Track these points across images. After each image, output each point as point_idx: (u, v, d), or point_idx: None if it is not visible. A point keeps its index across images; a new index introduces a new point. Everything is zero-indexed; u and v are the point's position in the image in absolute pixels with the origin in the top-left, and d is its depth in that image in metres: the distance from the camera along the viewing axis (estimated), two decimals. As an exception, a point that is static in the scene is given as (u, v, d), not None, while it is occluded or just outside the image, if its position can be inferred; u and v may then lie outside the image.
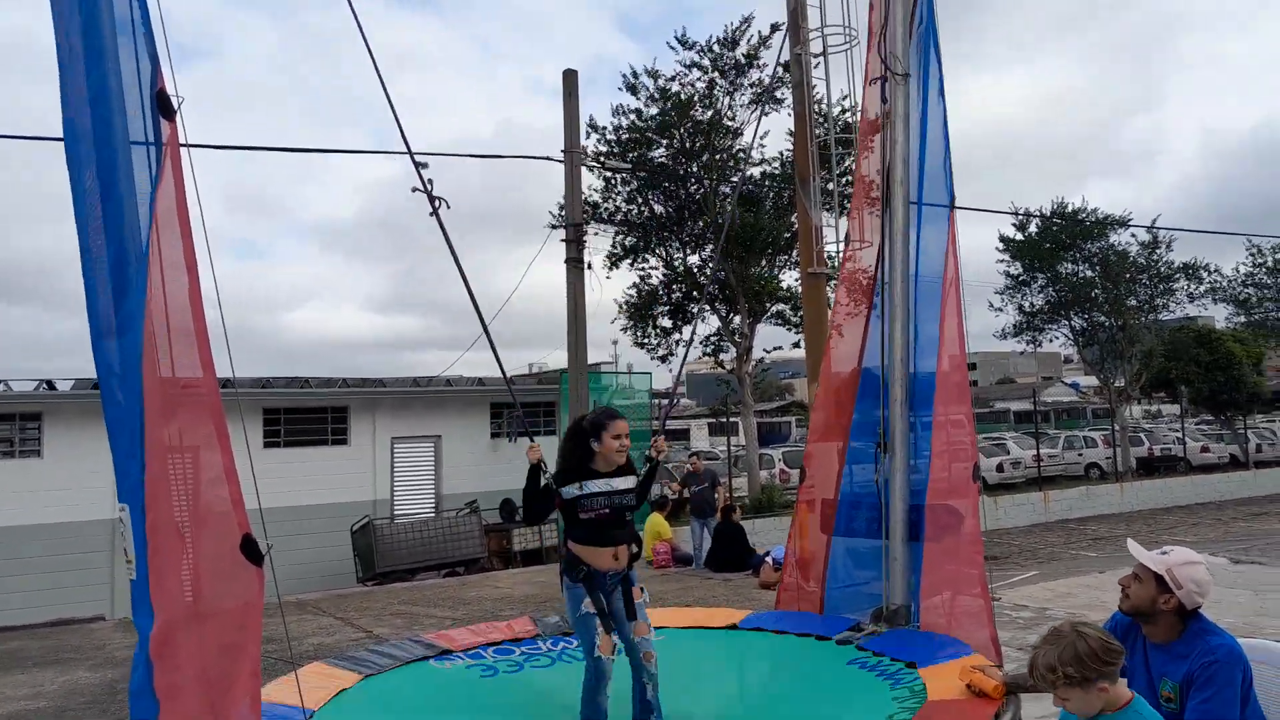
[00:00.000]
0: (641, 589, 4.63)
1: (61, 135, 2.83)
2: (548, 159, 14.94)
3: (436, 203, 4.68)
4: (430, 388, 18.18)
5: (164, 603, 2.62)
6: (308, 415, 16.99)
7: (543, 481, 4.47)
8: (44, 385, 14.85)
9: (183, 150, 2.89)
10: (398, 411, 17.79)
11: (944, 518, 5.30)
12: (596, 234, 19.36)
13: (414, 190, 4.64)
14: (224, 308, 3.05)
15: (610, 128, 19.54)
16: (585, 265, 14.90)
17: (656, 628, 4.77)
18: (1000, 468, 25.45)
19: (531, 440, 4.54)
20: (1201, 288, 26.83)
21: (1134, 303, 26.27)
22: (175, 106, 2.84)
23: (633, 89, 19.36)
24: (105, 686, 7.59)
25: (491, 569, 15.09)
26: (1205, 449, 28.97)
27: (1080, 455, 28.09)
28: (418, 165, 4.80)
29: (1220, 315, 32.66)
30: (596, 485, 4.47)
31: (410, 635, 6.68)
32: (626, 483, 4.56)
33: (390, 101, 4.40)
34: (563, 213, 16.35)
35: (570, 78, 14.99)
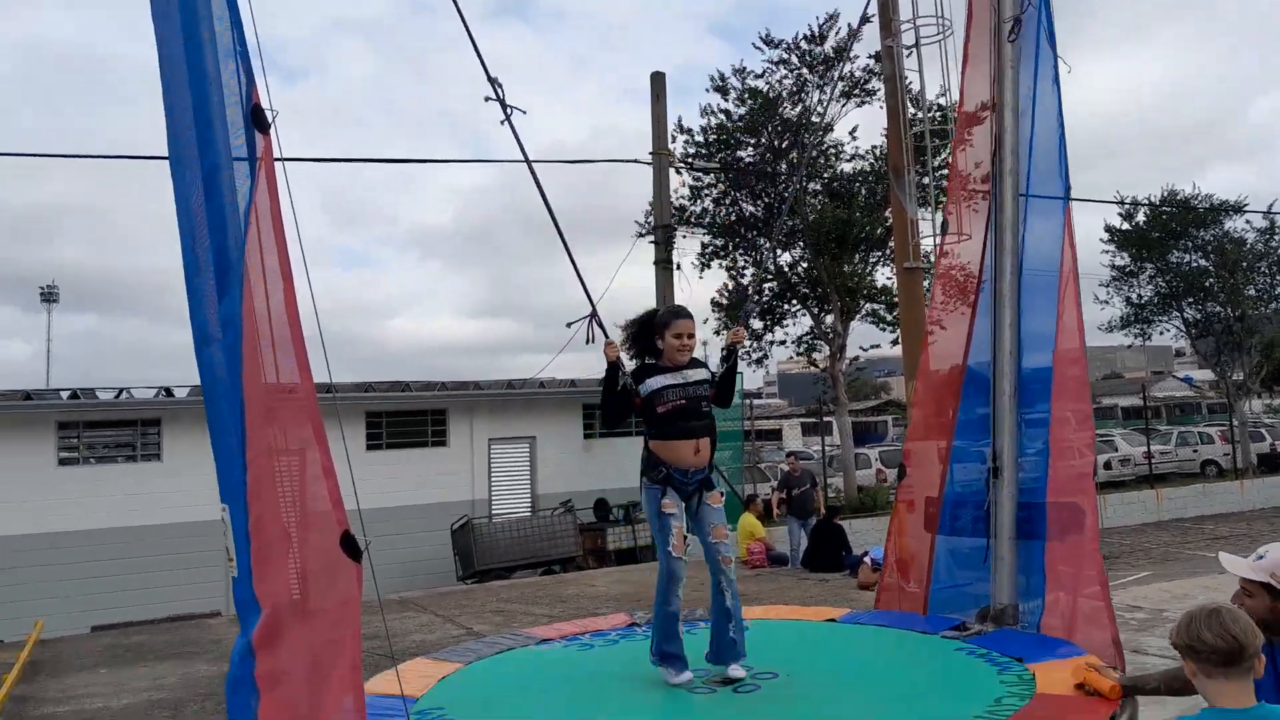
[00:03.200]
0: (721, 493, 4.62)
1: (166, 154, 2.97)
2: (636, 161, 15.01)
3: (509, 110, 4.60)
4: (524, 390, 18.45)
5: (269, 598, 2.71)
6: (408, 418, 17.43)
7: (620, 383, 4.41)
8: (163, 392, 15.59)
9: (280, 163, 2.98)
10: (494, 413, 18.11)
11: (1067, 516, 5.13)
12: (685, 236, 19.35)
13: (486, 100, 4.57)
14: (329, 315, 3.14)
15: (698, 129, 19.52)
16: (674, 266, 14.91)
17: (751, 620, 4.77)
18: (1108, 465, 24.49)
19: (608, 338, 4.53)
20: (1327, 274, 25.29)
21: (1252, 291, 24.95)
22: (270, 120, 2.94)
23: (722, 90, 19.30)
24: (223, 679, 7.91)
25: (587, 567, 15.22)
26: (1335, 444, 27.29)
27: (1195, 452, 26.80)
28: (491, 77, 4.60)
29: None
30: (668, 379, 4.42)
31: (510, 630, 6.80)
32: (700, 374, 4.51)
33: (462, 16, 4.35)
34: (651, 215, 16.41)
35: (658, 80, 15.02)
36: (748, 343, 20.85)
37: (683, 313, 4.55)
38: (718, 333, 21.25)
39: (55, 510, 14.32)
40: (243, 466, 2.76)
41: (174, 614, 12.82)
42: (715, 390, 4.57)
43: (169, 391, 15.60)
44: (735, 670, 4.41)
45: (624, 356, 4.51)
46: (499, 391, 18.31)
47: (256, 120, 2.88)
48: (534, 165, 4.90)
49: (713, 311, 21.05)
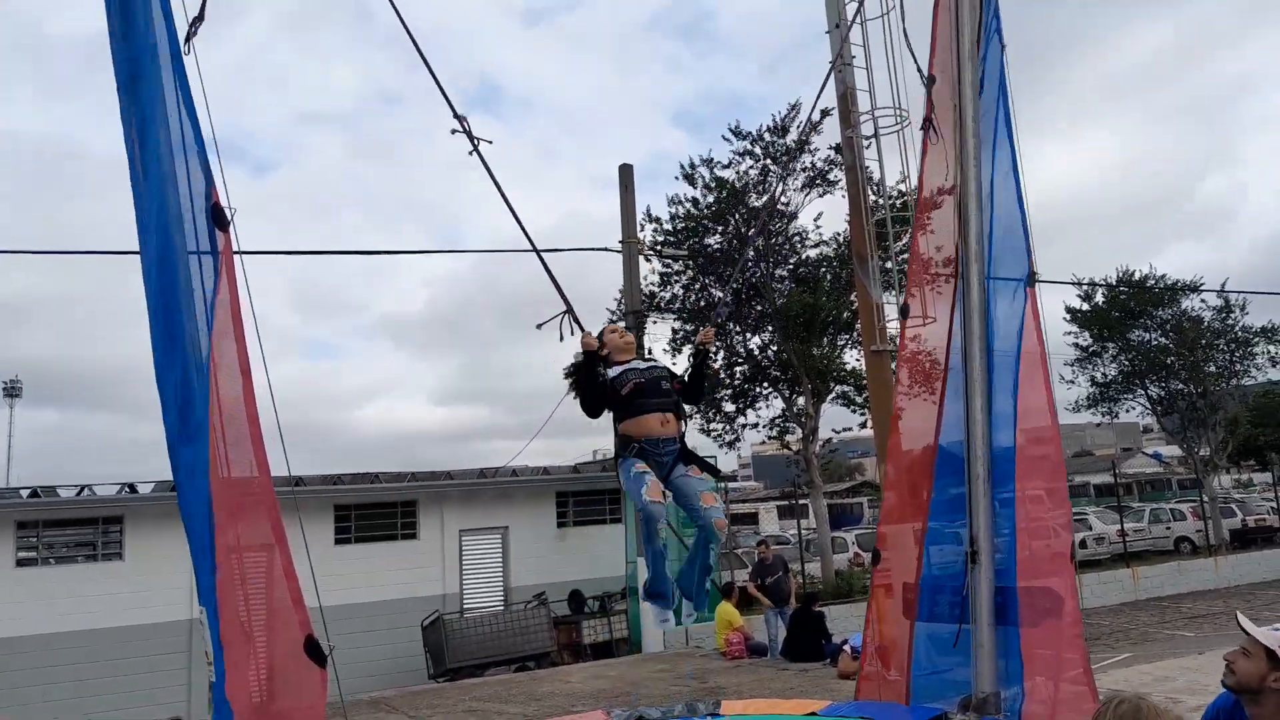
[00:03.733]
0: (701, 471, 4.79)
1: (136, 248, 2.97)
2: (605, 249, 15.21)
3: (476, 141, 4.74)
4: (497, 479, 18.26)
5: (236, 703, 2.63)
6: (378, 510, 17.14)
7: (599, 372, 4.68)
8: (126, 488, 15.26)
9: (240, 257, 2.99)
10: (465, 503, 17.86)
11: (1042, 600, 5.10)
12: (655, 322, 19.52)
13: (454, 132, 4.69)
14: (295, 407, 3.12)
15: (667, 217, 19.89)
16: (647, 352, 15.00)
17: (731, 717, 4.78)
18: (1084, 544, 24.48)
19: (585, 331, 4.78)
20: (1284, 350, 25.87)
21: (1213, 369, 25.42)
22: (229, 218, 2.96)
23: (690, 179, 19.75)
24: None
25: (561, 663, 14.87)
26: (1304, 518, 27.53)
27: (1168, 529, 26.90)
28: (457, 115, 4.73)
29: (1307, 378, 31.40)
30: (626, 367, 4.74)
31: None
32: (658, 366, 4.85)
33: (419, 49, 4.50)
34: (622, 301, 16.57)
35: (626, 171, 15.35)
36: (718, 427, 20.88)
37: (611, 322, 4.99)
38: (690, 418, 21.30)
39: (11, 614, 13.84)
40: (212, 568, 2.71)
41: (132, 721, 12.33)
42: (683, 385, 4.90)
43: (132, 488, 15.28)
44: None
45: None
46: (470, 481, 18.10)
47: (216, 218, 2.90)
48: (510, 204, 4.97)
49: (684, 397, 21.10)
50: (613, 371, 4.75)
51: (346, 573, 15.33)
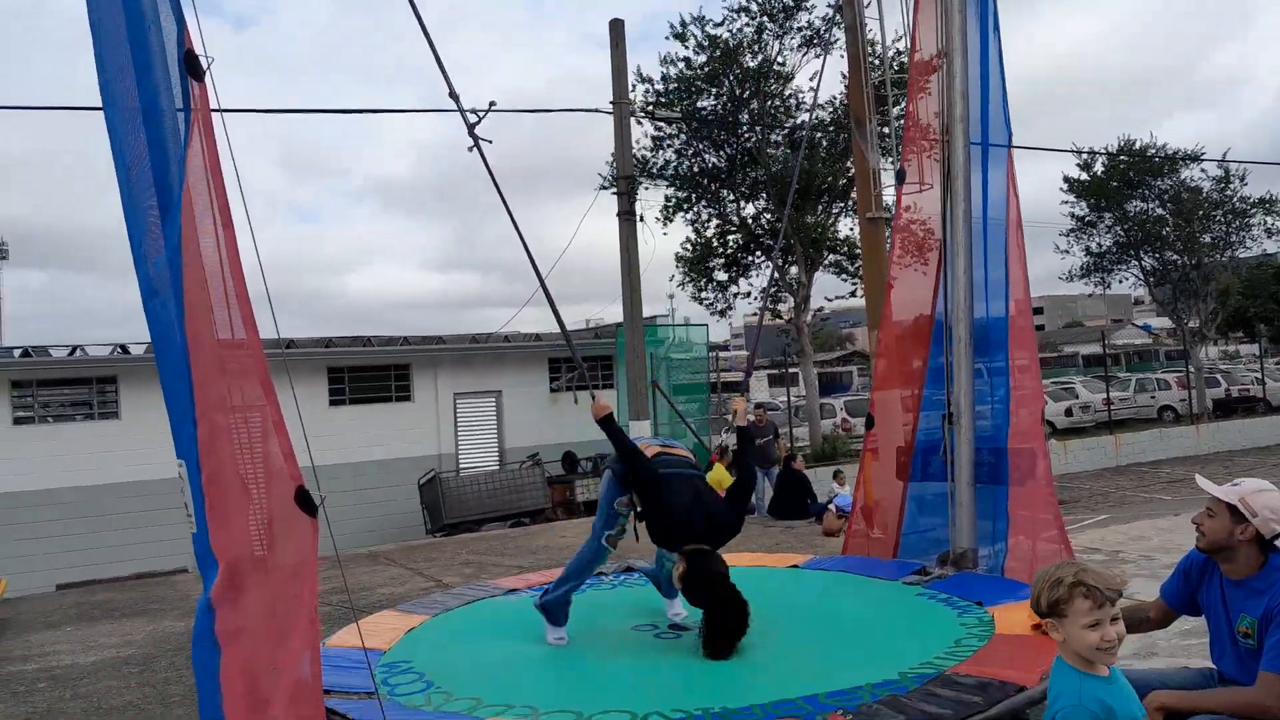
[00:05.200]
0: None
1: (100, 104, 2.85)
2: (596, 110, 14.81)
3: (475, 138, 4.62)
4: (489, 344, 18.36)
5: (225, 553, 2.69)
6: (372, 373, 17.30)
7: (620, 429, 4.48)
8: (118, 349, 15.32)
9: (232, 115, 2.88)
10: (459, 368, 18.02)
11: (1026, 461, 5.23)
12: (648, 188, 19.20)
13: (457, 108, 4.56)
14: (284, 270, 3.05)
15: (659, 78, 19.28)
16: (638, 219, 14.82)
17: None
18: (1069, 412, 24.95)
19: (593, 396, 4.53)
20: (1280, 222, 25.77)
21: (1208, 240, 25.32)
22: (205, 67, 2.82)
23: (681, 37, 19.04)
24: (190, 634, 7.89)
25: (556, 519, 15.31)
26: (1286, 388, 27.99)
27: (1153, 398, 27.38)
28: (459, 101, 4.61)
29: (1302, 250, 31.34)
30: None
31: (479, 582, 6.82)
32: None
33: (427, 35, 4.31)
34: (613, 167, 16.25)
35: (616, 27, 14.78)
36: (710, 295, 20.82)
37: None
38: (682, 286, 21.26)
39: (12, 470, 14.11)
40: (193, 421, 2.72)
41: (139, 572, 12.73)
42: (729, 492, 4.61)
43: (124, 349, 15.34)
44: (676, 608, 4.70)
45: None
46: (463, 346, 18.21)
47: (190, 67, 2.77)
48: (494, 184, 4.81)
49: (676, 265, 21.02)
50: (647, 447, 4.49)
51: (341, 433, 15.59)
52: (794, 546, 10.04)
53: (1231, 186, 24.77)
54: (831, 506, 11.37)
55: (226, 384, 2.78)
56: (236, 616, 2.67)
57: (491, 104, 4.81)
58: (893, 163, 13.13)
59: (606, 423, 4.41)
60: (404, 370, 17.62)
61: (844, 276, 20.67)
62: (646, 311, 15.89)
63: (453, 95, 4.50)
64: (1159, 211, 25.16)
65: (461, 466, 17.06)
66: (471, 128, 4.57)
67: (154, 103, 2.70)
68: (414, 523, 15.80)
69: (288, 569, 2.91)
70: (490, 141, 4.60)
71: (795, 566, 6.06)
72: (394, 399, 17.48)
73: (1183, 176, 24.78)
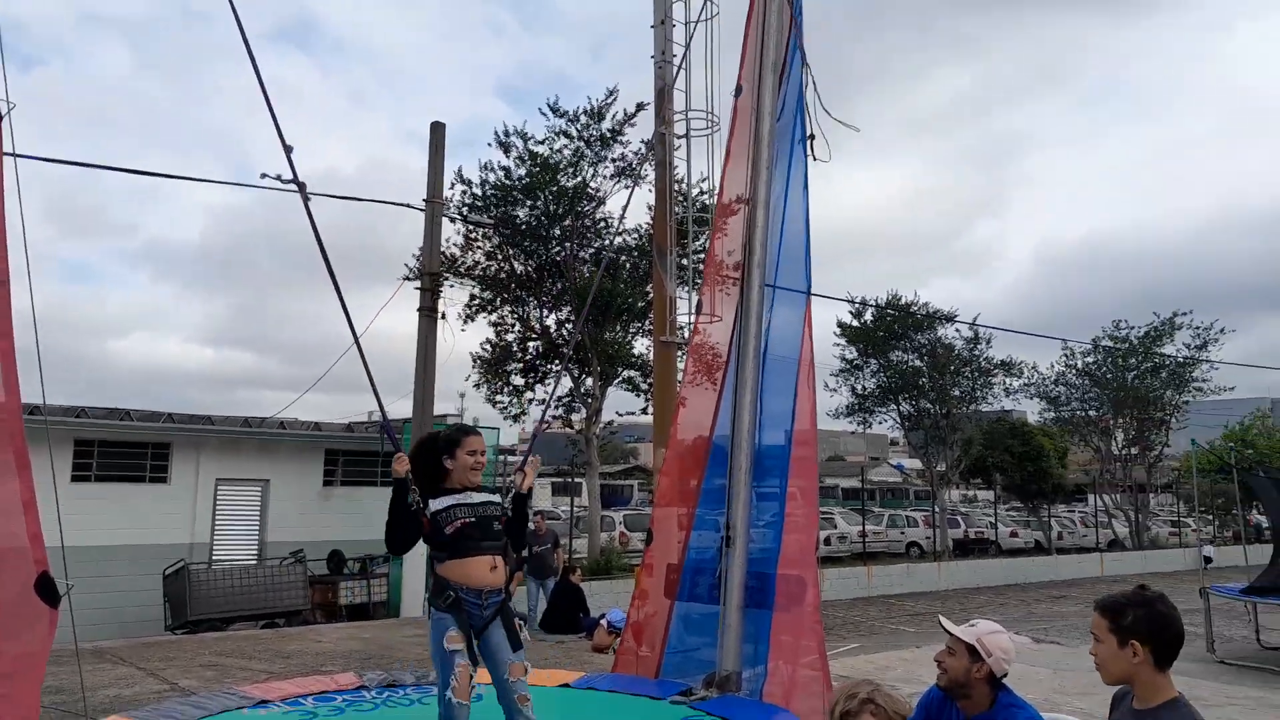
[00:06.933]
0: (522, 622, 4.29)
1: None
2: (409, 206, 14.81)
3: (301, 186, 4.59)
4: (262, 429, 17.38)
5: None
6: (126, 449, 15.90)
7: (410, 500, 4.00)
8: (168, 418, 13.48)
9: (7, 159, 2.74)
10: (224, 451, 16.91)
11: (794, 588, 5.48)
12: (453, 286, 19.19)
13: (272, 176, 4.60)
14: (42, 330, 2.87)
15: (477, 182, 19.56)
16: (439, 316, 14.75)
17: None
18: (827, 541, 26.37)
19: (397, 448, 4.14)
20: (1017, 383, 29.10)
21: (957, 393, 28.03)
22: (3, 111, 2.69)
23: (504, 147, 19.50)
24: None
25: (315, 622, 14.42)
26: (1014, 533, 30.94)
27: (903, 533, 29.50)
28: (287, 148, 4.62)
29: (1033, 410, 35.31)
30: (455, 498, 4.08)
31: (222, 688, 6.32)
32: (490, 499, 4.20)
33: (259, 73, 4.30)
34: (420, 261, 16.18)
35: (437, 130, 15.00)
36: (505, 399, 20.81)
37: (474, 430, 4.30)
38: (477, 386, 21.13)
39: None
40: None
41: None
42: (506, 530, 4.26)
43: (171, 417, 13.52)
44: None
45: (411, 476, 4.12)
46: (233, 430, 17.12)
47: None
48: (314, 219, 4.77)
49: (473, 366, 20.93)
50: (437, 503, 4.05)
51: (82, 512, 14.13)
52: (564, 663, 9.95)
53: (979, 348, 27.73)
54: (604, 622, 11.39)
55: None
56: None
57: (289, 149, 4.67)
58: (689, 292, 13.86)
59: (399, 484, 4.02)
60: (163, 449, 16.32)
61: (636, 393, 21.24)
62: (437, 409, 15.65)
63: (285, 147, 4.51)
64: (917, 363, 27.70)
65: (215, 558, 15.81)
66: (301, 187, 4.54)
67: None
68: (153, 617, 14.40)
69: (12, 664, 2.64)
70: (304, 184, 4.60)
71: (567, 685, 6.02)
72: (148, 480, 16.10)
73: (939, 334, 27.54)
